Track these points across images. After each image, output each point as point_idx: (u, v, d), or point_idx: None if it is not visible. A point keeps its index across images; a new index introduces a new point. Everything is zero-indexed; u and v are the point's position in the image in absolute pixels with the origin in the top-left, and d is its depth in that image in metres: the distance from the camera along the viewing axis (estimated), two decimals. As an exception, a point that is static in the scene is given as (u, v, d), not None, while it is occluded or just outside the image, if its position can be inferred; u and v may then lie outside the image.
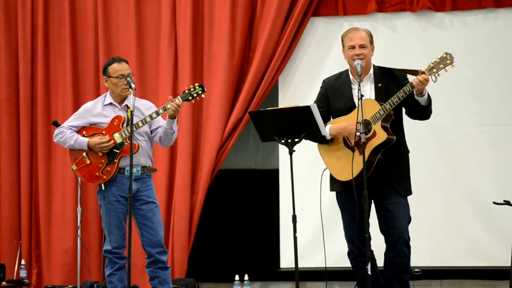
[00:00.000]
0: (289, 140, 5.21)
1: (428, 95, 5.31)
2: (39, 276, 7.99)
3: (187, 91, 5.82)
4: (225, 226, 8.32)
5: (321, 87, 5.66)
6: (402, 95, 5.23)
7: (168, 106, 5.72)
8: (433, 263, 7.40)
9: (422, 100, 5.29)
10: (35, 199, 8.01)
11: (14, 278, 7.70)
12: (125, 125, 5.83)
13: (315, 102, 5.57)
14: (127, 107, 5.87)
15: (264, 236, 8.06)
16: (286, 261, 7.59)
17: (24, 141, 8.01)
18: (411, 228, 5.46)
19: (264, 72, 7.62)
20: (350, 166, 5.23)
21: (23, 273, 7.70)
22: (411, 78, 5.33)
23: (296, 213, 5.19)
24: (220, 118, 7.66)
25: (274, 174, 7.81)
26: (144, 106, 5.93)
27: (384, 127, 5.28)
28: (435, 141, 7.44)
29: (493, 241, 7.28)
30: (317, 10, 7.68)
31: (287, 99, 7.67)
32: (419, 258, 6.59)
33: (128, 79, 5.71)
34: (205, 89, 5.84)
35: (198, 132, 7.79)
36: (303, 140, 5.27)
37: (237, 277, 7.57)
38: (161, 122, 5.93)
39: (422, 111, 5.38)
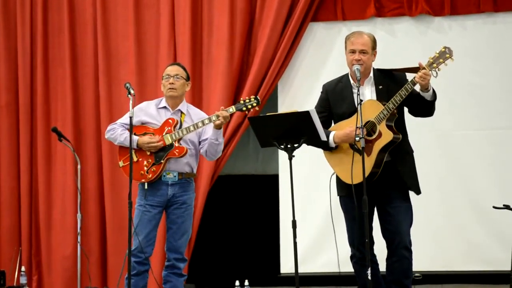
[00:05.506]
0: (289, 146, 5.20)
1: (433, 90, 5.30)
2: (39, 283, 7.98)
3: (242, 102, 5.86)
4: (225, 232, 8.31)
5: (321, 92, 5.65)
6: (404, 93, 5.21)
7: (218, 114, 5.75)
8: (434, 267, 7.40)
9: (428, 96, 5.27)
10: (35, 206, 8.00)
11: (14, 284, 7.69)
12: (177, 127, 5.87)
13: (315, 107, 5.57)
14: (181, 112, 5.93)
15: (264, 241, 8.05)
16: (286, 267, 7.58)
17: (24, 147, 8.00)
18: (412, 232, 5.45)
19: (263, 77, 7.62)
20: (358, 169, 5.20)
21: (23, 280, 7.67)
22: (409, 77, 5.32)
23: (296, 218, 5.18)
24: (220, 123, 7.65)
25: (274, 180, 7.80)
26: (196, 116, 5.97)
27: (389, 126, 5.28)
28: (436, 144, 7.43)
29: (493, 245, 7.28)
30: (316, 15, 7.68)
31: (286, 104, 7.66)
32: (419, 262, 6.54)
33: (127, 85, 5.69)
34: (260, 102, 5.89)
35: (197, 138, 7.78)
36: (303, 145, 5.27)
37: (237, 283, 7.55)
38: (209, 134, 5.95)
39: (427, 107, 5.36)
